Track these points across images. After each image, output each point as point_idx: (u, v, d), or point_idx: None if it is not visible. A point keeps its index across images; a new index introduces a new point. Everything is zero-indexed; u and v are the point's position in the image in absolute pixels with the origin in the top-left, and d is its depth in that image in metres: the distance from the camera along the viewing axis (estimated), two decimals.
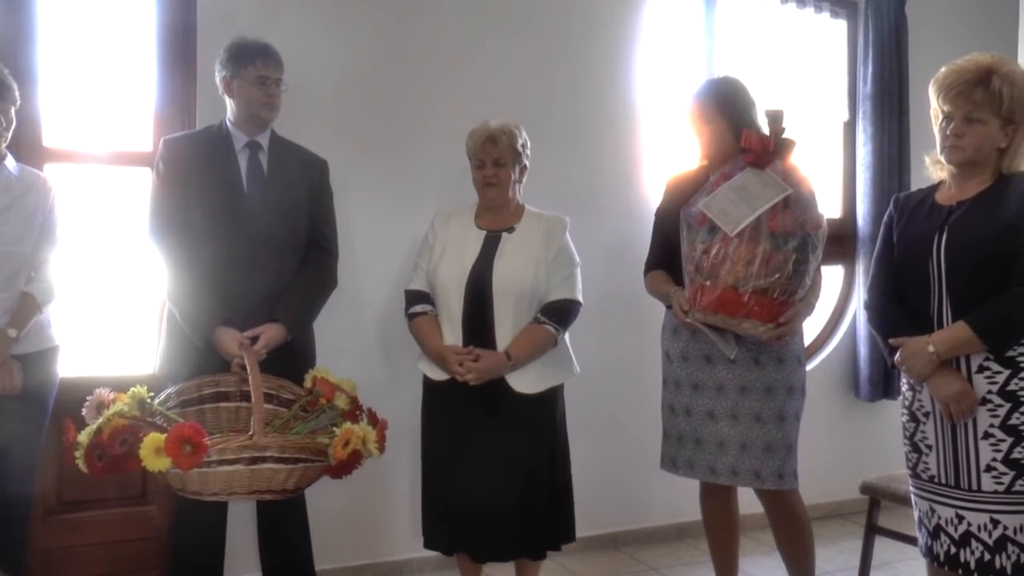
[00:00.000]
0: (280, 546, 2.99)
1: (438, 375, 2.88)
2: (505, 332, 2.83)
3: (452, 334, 2.86)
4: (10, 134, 2.75)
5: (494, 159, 2.90)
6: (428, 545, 2.96)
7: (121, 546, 3.27)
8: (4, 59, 2.85)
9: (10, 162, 2.79)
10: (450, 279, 2.88)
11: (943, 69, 2.43)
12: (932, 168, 2.58)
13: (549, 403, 2.91)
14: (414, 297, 2.97)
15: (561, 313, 2.88)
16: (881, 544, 3.27)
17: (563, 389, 2.98)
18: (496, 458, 2.79)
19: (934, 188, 2.56)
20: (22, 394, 2.70)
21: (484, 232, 2.95)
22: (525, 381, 2.84)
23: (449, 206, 3.07)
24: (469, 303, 2.85)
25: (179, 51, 3.30)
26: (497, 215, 2.97)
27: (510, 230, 2.94)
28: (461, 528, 2.85)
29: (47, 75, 3.17)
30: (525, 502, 2.82)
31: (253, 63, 2.83)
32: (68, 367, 2.98)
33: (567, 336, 2.95)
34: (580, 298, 2.94)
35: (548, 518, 2.88)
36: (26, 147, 3.06)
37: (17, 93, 2.74)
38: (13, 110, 2.74)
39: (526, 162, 2.98)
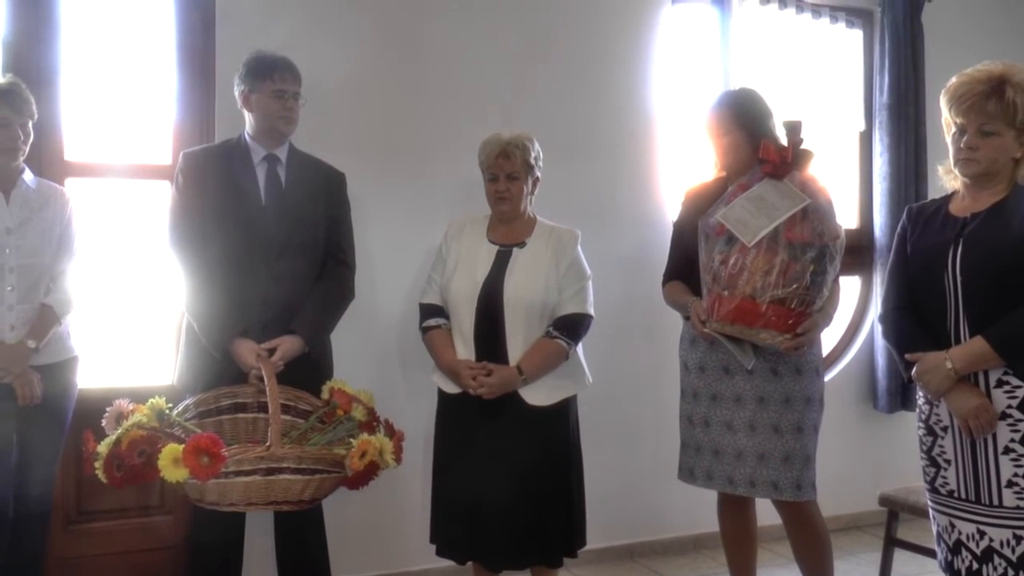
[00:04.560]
0: (297, 556, 2.99)
1: (451, 388, 2.89)
2: (516, 346, 2.84)
3: (464, 348, 2.88)
4: (28, 148, 2.78)
5: (507, 173, 2.90)
6: (440, 553, 2.97)
7: (139, 555, 3.30)
8: (25, 75, 2.89)
9: (28, 175, 2.82)
10: (462, 294, 2.89)
11: (954, 79, 2.38)
12: (945, 178, 2.55)
13: (562, 414, 2.90)
14: (428, 311, 2.99)
15: (572, 327, 2.88)
16: (900, 556, 3.25)
17: (576, 400, 2.97)
18: (509, 469, 2.79)
19: (947, 199, 2.52)
20: (41, 404, 2.74)
21: (496, 247, 2.95)
22: (538, 394, 2.85)
23: (462, 218, 3.07)
24: (481, 317, 2.86)
25: (198, 65, 3.33)
26: (510, 228, 2.98)
27: (521, 245, 2.94)
28: (475, 537, 2.86)
29: (69, 90, 3.20)
30: (539, 511, 2.83)
31: (271, 77, 2.85)
32: (88, 378, 3.01)
33: (580, 347, 2.95)
34: (591, 311, 2.94)
35: (563, 527, 2.88)
36: (48, 161, 3.11)
37: (34, 107, 2.77)
38: (31, 124, 2.77)
39: (539, 174, 2.98)
